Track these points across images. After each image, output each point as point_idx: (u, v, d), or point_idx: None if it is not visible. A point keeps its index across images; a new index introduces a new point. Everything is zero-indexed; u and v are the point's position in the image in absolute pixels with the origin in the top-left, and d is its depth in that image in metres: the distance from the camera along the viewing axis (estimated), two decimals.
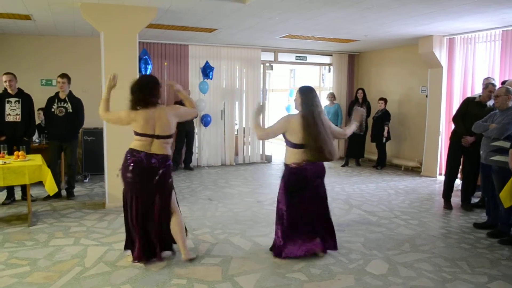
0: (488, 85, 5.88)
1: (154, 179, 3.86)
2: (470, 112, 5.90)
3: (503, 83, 5.97)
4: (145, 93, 3.85)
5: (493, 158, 5.02)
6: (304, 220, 4.13)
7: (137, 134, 3.86)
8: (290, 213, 4.11)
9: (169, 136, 3.94)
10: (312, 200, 4.14)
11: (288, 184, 4.11)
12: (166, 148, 3.93)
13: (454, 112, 6.35)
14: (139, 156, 3.83)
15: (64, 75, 6.36)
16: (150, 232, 3.95)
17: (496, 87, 6.15)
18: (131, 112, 3.87)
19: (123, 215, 4.02)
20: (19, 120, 6.17)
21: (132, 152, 3.85)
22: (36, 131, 7.13)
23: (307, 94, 4.06)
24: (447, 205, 6.21)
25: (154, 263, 3.97)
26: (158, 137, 3.85)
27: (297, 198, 4.11)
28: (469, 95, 7.34)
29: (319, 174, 4.14)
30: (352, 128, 4.45)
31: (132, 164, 3.82)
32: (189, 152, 9.24)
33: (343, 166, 9.86)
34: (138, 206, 3.88)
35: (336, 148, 4.13)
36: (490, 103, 5.86)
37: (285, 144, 4.13)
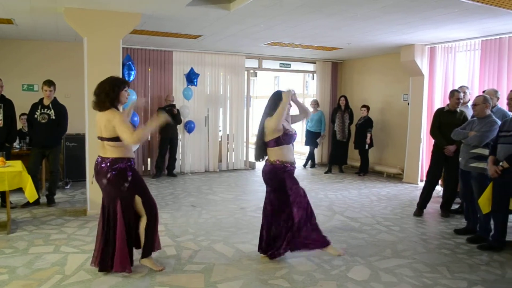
0: (454, 92, 6.10)
1: (104, 183, 3.78)
2: (443, 122, 6.05)
3: (484, 92, 6.10)
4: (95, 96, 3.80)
5: (472, 164, 5.12)
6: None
7: None
8: None
9: (111, 139, 3.70)
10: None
11: None
12: (116, 151, 3.74)
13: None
14: (96, 160, 3.85)
15: (51, 83, 6.28)
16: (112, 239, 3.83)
17: (476, 94, 6.33)
18: None
19: None
20: (1, 125, 6.12)
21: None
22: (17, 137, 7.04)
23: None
24: (419, 212, 6.24)
25: (136, 270, 3.94)
26: (102, 139, 3.76)
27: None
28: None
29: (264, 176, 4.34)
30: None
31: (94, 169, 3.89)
32: (173, 159, 9.20)
33: (326, 172, 9.93)
34: (104, 212, 3.87)
35: (258, 152, 4.34)
36: (469, 110, 6.04)
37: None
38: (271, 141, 4.18)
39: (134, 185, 3.82)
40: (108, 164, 3.74)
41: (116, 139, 3.70)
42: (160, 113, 3.79)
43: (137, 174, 3.90)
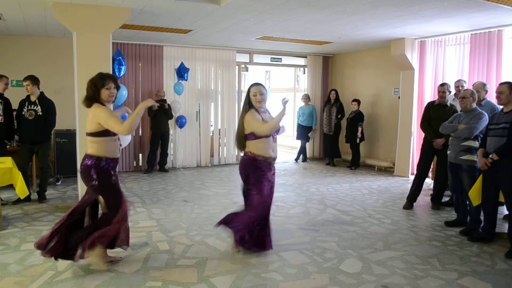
0: (438, 87, 6.18)
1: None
2: (433, 115, 6.10)
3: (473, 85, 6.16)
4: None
5: (463, 157, 5.17)
6: None
7: None
8: None
9: (90, 134, 3.73)
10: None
11: None
12: (91, 147, 3.75)
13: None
14: None
15: (27, 78, 6.23)
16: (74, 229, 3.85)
17: (465, 87, 6.39)
18: None
19: None
20: (2, 121, 6.21)
21: None
22: None
23: None
24: (408, 205, 6.28)
25: (129, 265, 3.95)
26: (86, 134, 3.80)
27: None
28: None
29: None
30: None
31: None
32: (164, 154, 9.17)
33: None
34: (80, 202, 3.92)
35: (238, 144, 4.26)
36: (454, 102, 6.11)
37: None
38: (250, 134, 4.10)
39: (98, 185, 3.75)
40: (83, 158, 3.80)
41: (94, 134, 3.71)
42: (146, 100, 3.76)
43: (105, 176, 3.75)
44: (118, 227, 3.82)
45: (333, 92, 10.08)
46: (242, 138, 4.20)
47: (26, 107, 6.24)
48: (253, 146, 4.12)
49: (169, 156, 9.46)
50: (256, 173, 4.10)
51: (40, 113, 6.23)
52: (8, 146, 7.03)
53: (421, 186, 6.31)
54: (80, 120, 5.83)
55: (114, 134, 3.79)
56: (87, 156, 3.76)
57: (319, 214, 5.92)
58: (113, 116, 3.67)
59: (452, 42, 7.92)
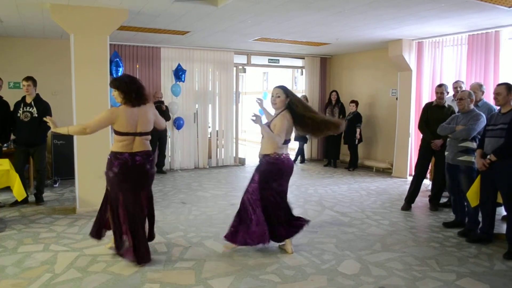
0: (436, 88, 6.20)
1: (142, 176, 4.01)
2: (431, 116, 6.11)
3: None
4: (136, 90, 3.94)
5: (460, 158, 5.17)
6: None
7: (119, 133, 3.90)
8: None
9: (149, 133, 4.09)
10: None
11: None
12: (147, 144, 4.07)
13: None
14: (123, 158, 3.90)
15: (29, 78, 6.20)
16: (141, 231, 4.03)
17: (463, 88, 6.40)
18: (115, 110, 3.92)
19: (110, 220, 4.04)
20: None
21: (115, 155, 3.92)
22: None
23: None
24: (406, 207, 6.27)
25: (126, 267, 3.93)
26: (140, 134, 3.97)
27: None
28: None
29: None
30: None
31: (118, 166, 3.89)
32: (162, 156, 9.16)
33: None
34: (128, 206, 3.95)
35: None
36: (453, 104, 6.12)
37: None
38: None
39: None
40: (150, 157, 4.09)
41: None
42: None
43: None
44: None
45: (333, 93, 10.09)
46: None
47: (21, 108, 6.19)
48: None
49: (167, 158, 9.45)
50: None
51: (36, 115, 6.19)
52: (5, 148, 7.01)
53: (419, 187, 6.30)
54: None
55: None
56: (150, 152, 4.12)
57: (317, 215, 5.92)
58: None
59: (449, 43, 7.92)
